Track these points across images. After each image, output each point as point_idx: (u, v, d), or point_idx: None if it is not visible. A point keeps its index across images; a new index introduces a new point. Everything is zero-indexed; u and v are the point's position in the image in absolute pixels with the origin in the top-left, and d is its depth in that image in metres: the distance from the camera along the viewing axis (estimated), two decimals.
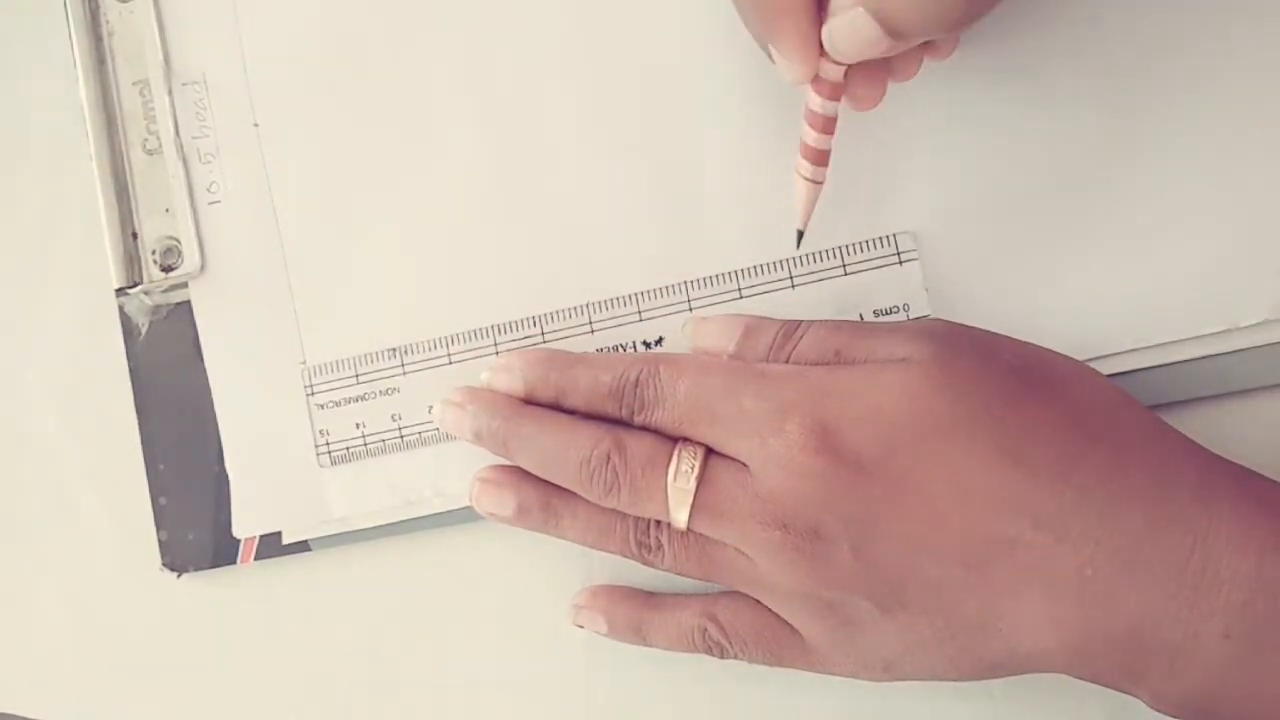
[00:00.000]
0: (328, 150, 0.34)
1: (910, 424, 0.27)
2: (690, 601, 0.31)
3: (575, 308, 0.33)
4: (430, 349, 0.34)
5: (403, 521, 0.34)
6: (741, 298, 0.33)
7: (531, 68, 0.34)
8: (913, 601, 0.27)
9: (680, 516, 0.29)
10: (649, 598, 0.32)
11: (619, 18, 0.34)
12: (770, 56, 0.29)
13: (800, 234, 0.31)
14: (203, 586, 0.34)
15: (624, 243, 0.33)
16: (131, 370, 0.35)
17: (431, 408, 0.33)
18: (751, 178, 0.33)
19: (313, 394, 0.34)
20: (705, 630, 0.31)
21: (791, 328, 0.30)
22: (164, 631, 0.35)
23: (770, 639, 0.30)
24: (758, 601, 0.30)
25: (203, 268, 0.34)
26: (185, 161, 0.35)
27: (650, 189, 0.33)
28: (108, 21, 0.35)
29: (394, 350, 0.34)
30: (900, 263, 0.32)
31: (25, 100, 0.36)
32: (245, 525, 0.34)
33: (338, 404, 0.34)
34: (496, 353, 0.33)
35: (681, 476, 0.29)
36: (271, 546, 0.34)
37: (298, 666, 0.34)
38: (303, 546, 0.34)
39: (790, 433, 0.27)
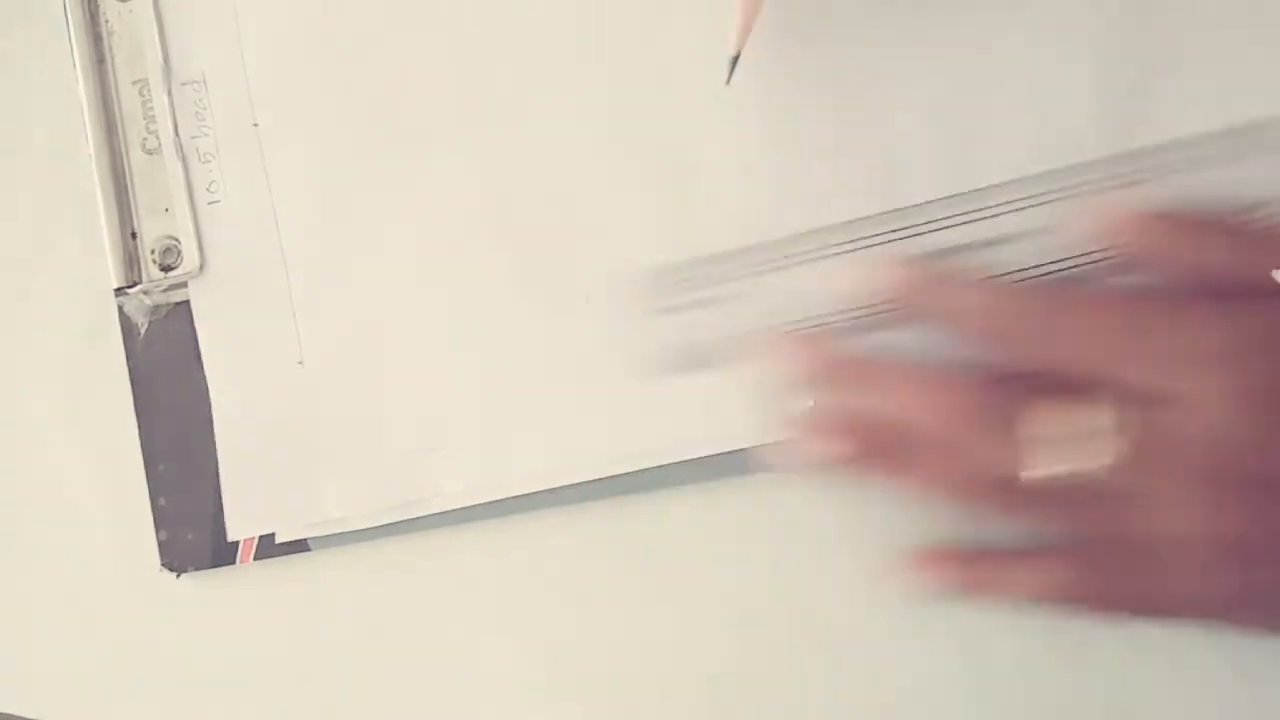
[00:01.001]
0: (328, 150, 0.34)
1: None
2: (1050, 552, 0.29)
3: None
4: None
5: (403, 521, 0.34)
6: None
7: (532, 66, 0.34)
8: None
9: (1081, 463, 0.27)
10: (997, 554, 0.30)
11: (621, 19, 0.34)
12: None
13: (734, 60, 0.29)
14: (202, 586, 0.34)
15: (624, 243, 0.33)
16: (131, 370, 0.35)
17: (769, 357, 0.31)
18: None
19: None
20: (1072, 578, 0.28)
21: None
22: (164, 631, 0.34)
23: (1141, 582, 0.28)
24: (1122, 548, 0.28)
25: (202, 267, 0.34)
26: (185, 161, 0.35)
27: (651, 189, 0.33)
28: (107, 21, 0.35)
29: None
30: None
31: (25, 100, 0.36)
32: (241, 526, 0.34)
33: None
34: None
35: (1078, 422, 0.27)
36: (271, 546, 0.34)
37: (298, 666, 0.34)
38: (302, 546, 0.34)
39: (1219, 381, 0.26)
